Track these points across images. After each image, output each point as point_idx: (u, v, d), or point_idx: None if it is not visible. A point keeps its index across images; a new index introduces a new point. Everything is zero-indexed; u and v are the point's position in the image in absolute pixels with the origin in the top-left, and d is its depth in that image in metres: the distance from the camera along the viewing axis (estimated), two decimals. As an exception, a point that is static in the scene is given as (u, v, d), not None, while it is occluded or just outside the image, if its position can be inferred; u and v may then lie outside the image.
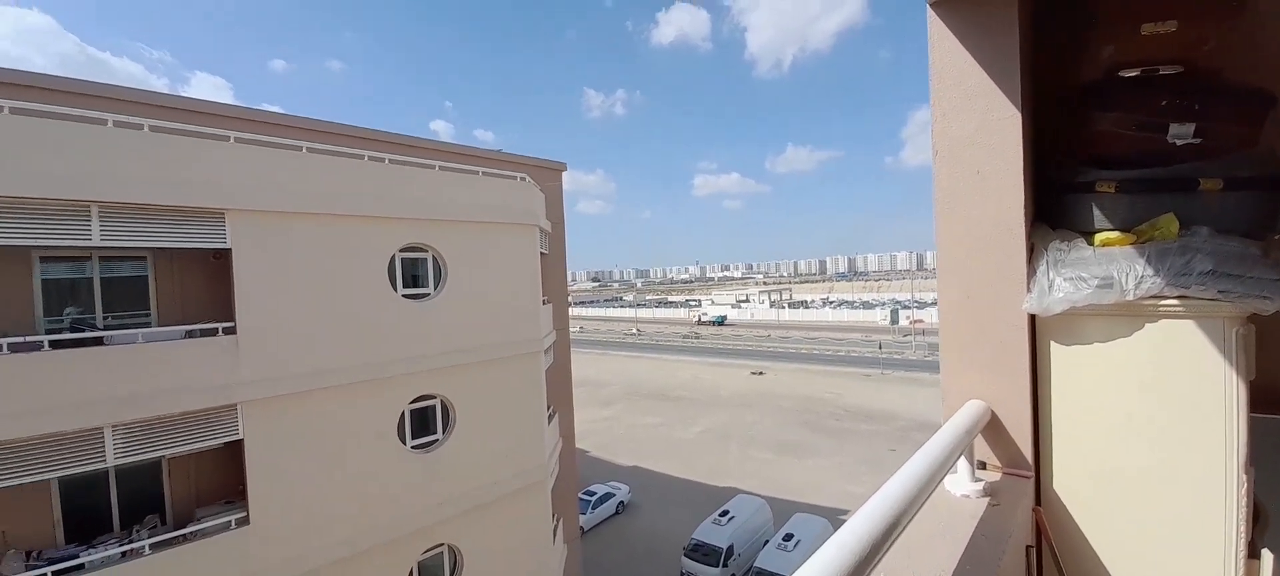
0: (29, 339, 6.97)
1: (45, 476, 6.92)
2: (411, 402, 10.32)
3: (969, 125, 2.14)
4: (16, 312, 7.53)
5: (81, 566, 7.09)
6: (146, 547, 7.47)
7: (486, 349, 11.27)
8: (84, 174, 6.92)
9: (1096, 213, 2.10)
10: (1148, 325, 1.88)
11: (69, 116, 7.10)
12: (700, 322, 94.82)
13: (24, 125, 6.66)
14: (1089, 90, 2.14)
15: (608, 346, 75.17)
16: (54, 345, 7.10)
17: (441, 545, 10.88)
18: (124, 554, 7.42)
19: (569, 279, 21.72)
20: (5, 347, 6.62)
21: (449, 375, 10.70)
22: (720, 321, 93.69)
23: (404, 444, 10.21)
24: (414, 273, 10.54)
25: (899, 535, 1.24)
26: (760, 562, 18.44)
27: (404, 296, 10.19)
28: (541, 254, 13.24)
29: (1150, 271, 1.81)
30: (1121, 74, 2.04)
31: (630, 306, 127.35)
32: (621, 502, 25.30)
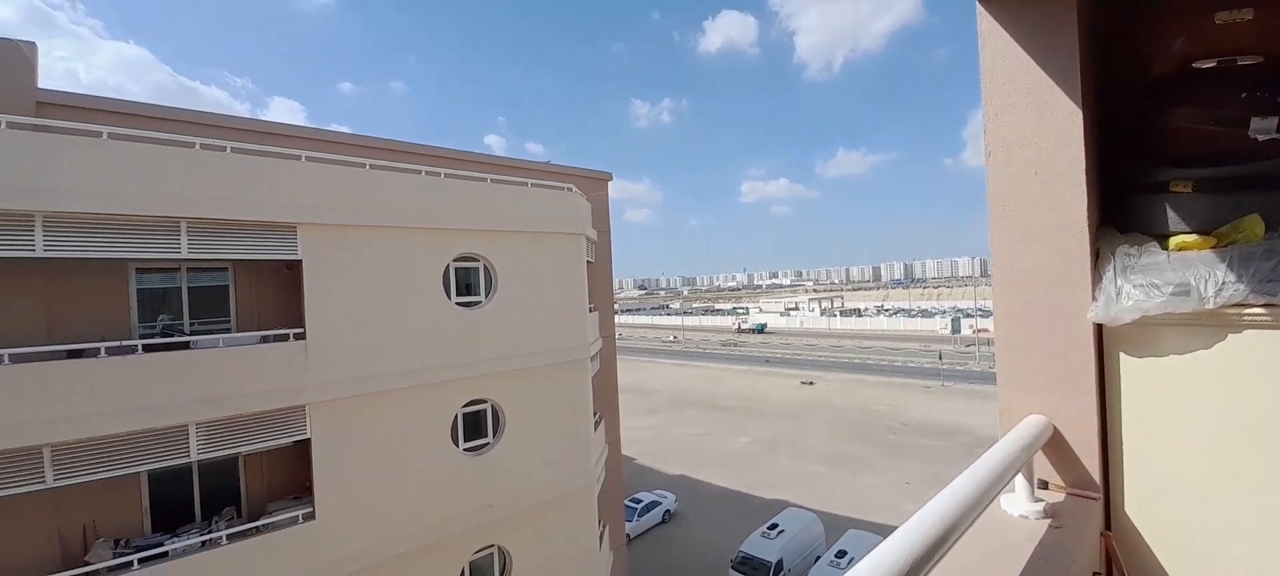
0: (124, 343, 7.67)
1: (138, 469, 7.57)
2: (464, 406, 10.67)
3: (1025, 125, 2.04)
4: (115, 319, 8.30)
5: (165, 554, 7.69)
6: (224, 537, 8.04)
7: (535, 355, 11.52)
8: (174, 192, 7.58)
9: (1171, 214, 1.95)
10: (1230, 336, 1.72)
11: (161, 140, 7.80)
12: (740, 331, 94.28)
13: (123, 149, 7.37)
14: (1160, 84, 1.99)
15: (649, 354, 75.23)
16: (146, 349, 7.78)
17: (492, 546, 11.15)
18: (203, 543, 8.01)
19: (616, 287, 21.92)
20: (104, 351, 7.32)
21: (499, 380, 11.01)
22: (760, 329, 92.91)
23: (457, 446, 10.56)
24: (467, 281, 10.92)
25: (943, 555, 1.19)
26: (811, 579, 17.90)
27: (457, 304, 10.57)
28: (588, 262, 13.44)
29: (1232, 277, 1.66)
30: (1195, 66, 1.89)
31: (677, 314, 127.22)
32: (668, 511, 25.17)
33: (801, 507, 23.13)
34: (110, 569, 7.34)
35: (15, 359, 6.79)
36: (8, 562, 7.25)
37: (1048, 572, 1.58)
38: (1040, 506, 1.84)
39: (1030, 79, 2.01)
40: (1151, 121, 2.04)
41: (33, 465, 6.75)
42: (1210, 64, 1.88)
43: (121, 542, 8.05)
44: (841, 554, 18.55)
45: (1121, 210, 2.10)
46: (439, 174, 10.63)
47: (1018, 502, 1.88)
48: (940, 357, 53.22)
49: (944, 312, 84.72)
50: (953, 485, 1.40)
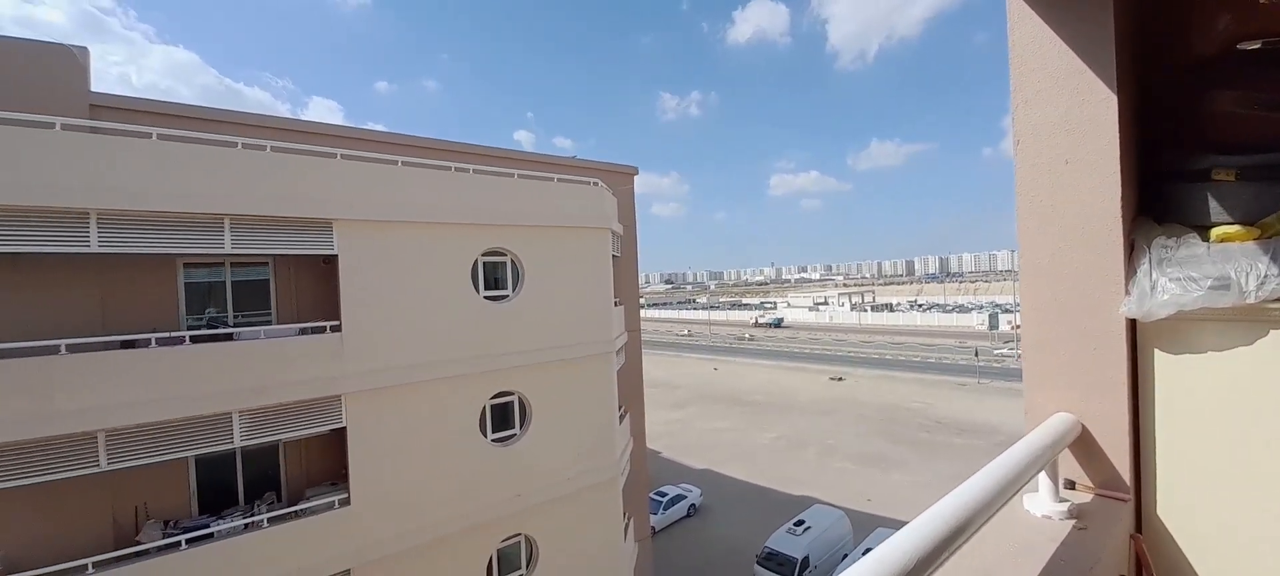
0: (173, 334, 8.05)
1: (185, 454, 7.95)
2: (492, 398, 10.87)
3: (1055, 111, 1.97)
4: (164, 312, 8.73)
5: (211, 535, 8.07)
6: (265, 521, 8.39)
7: (561, 348, 11.65)
8: (218, 190, 7.90)
9: (1212, 204, 1.85)
10: (1273, 332, 1.63)
11: (206, 141, 8.14)
12: (757, 325, 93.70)
13: (170, 149, 7.72)
14: (1202, 67, 1.89)
15: (675, 348, 75.09)
16: (193, 340, 8.15)
17: (519, 534, 11.36)
18: (246, 526, 8.37)
19: (642, 281, 21.95)
20: (154, 342, 7.69)
21: (526, 373, 11.17)
22: (777, 324, 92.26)
23: (485, 437, 10.77)
24: (495, 275, 11.11)
25: (955, 551, 1.18)
26: (839, 577, 17.68)
27: (485, 298, 10.75)
28: (614, 256, 13.49)
29: (1276, 270, 1.57)
30: (1240, 47, 1.79)
31: (704, 308, 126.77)
32: (693, 505, 25.16)
33: (829, 504, 22.84)
34: (160, 548, 7.75)
35: (72, 348, 7.20)
36: (66, 541, 7.72)
37: (1070, 574, 1.53)
38: (1064, 507, 1.78)
39: (1062, 63, 1.93)
40: (1192, 106, 1.94)
41: (88, 449, 7.17)
42: (1255, 45, 1.78)
43: (170, 523, 8.49)
44: (869, 552, 18.27)
45: (1159, 200, 2.01)
46: (468, 170, 10.81)
47: (1041, 502, 1.83)
48: (976, 354, 51.65)
49: (981, 308, 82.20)
50: (968, 482, 1.38)
